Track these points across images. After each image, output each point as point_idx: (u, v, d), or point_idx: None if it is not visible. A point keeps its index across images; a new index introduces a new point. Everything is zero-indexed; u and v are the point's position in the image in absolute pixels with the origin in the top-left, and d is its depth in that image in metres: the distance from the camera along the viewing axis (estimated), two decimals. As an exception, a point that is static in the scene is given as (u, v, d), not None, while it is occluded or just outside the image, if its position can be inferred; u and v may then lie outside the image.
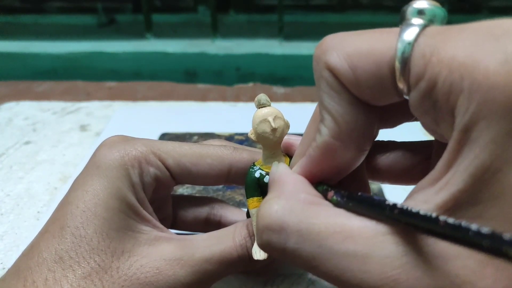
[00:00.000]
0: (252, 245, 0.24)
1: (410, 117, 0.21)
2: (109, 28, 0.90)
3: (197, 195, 0.40)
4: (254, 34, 0.83)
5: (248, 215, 0.28)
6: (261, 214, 0.18)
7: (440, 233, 0.13)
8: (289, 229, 0.17)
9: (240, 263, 0.24)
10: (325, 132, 0.19)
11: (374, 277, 0.15)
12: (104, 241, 0.22)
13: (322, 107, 0.19)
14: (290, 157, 0.25)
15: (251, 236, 0.25)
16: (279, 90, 0.67)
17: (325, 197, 0.19)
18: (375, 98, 0.18)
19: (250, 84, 0.70)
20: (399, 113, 0.21)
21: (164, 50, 0.79)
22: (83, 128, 0.53)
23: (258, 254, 0.23)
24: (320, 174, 0.20)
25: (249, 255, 0.24)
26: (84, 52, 0.80)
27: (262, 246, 0.19)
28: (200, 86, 0.69)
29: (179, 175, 0.26)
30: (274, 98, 0.65)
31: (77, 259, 0.22)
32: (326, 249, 0.16)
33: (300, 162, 0.21)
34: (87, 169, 0.24)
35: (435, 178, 0.15)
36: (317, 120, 0.20)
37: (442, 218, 0.13)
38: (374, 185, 0.42)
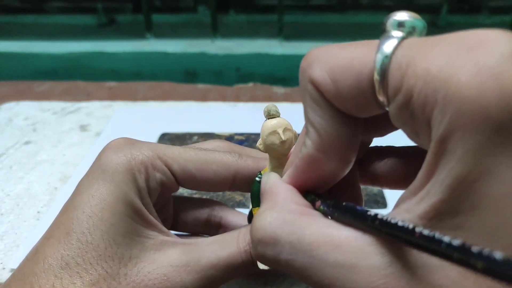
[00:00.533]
0: None
1: (385, 131, 0.22)
2: (109, 28, 0.90)
3: (197, 196, 0.40)
4: (254, 34, 0.83)
5: (250, 220, 0.28)
6: (255, 228, 0.19)
7: (416, 244, 0.14)
8: (282, 241, 0.18)
9: (244, 268, 0.25)
10: (309, 144, 0.19)
11: (362, 287, 0.16)
12: (112, 247, 0.22)
13: (306, 120, 0.19)
14: None
15: None
16: (279, 90, 0.67)
17: (314, 206, 0.20)
18: (357, 111, 0.18)
19: (250, 84, 0.70)
20: (386, 122, 0.20)
21: (164, 50, 0.79)
22: (83, 128, 0.53)
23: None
24: (306, 184, 0.21)
25: (253, 260, 0.24)
26: (84, 52, 0.80)
27: (257, 258, 0.19)
28: (200, 86, 0.69)
29: (184, 180, 0.26)
30: (274, 98, 0.65)
31: (84, 266, 0.21)
32: (317, 259, 0.17)
33: (288, 172, 0.21)
34: (93, 172, 0.24)
35: (417, 188, 0.16)
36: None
37: (418, 229, 0.14)
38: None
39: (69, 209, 0.23)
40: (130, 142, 0.26)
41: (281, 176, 0.23)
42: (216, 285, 0.25)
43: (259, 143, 0.24)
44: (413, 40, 0.16)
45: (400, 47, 0.16)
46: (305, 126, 0.19)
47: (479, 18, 0.88)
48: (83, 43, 0.83)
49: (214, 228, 0.30)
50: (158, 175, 0.25)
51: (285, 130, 0.23)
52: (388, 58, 0.16)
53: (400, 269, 0.15)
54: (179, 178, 0.26)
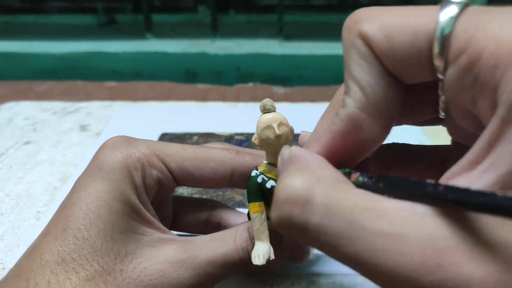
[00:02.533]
0: (253, 248, 0.24)
1: (418, 117, 0.21)
2: (109, 28, 0.90)
3: (197, 196, 0.40)
4: (254, 34, 0.83)
5: (249, 217, 0.28)
6: (282, 185, 0.16)
7: (498, 210, 0.11)
8: (315, 202, 0.15)
9: (241, 266, 0.25)
10: (351, 104, 0.17)
11: (413, 261, 0.13)
12: (108, 244, 0.22)
13: (349, 77, 0.18)
14: None
15: (251, 239, 0.25)
16: (279, 90, 0.67)
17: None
18: (407, 73, 0.17)
19: (250, 84, 0.70)
20: (414, 106, 0.20)
21: (164, 50, 0.79)
22: (83, 128, 0.53)
23: (257, 259, 0.23)
24: (343, 151, 0.19)
25: (250, 258, 0.24)
26: (84, 52, 0.80)
27: (280, 222, 0.16)
28: (200, 86, 0.69)
29: (181, 178, 0.26)
30: (274, 98, 0.65)
31: (80, 262, 0.21)
32: (357, 227, 0.14)
33: (320, 140, 0.19)
34: (90, 171, 0.24)
35: (474, 161, 0.14)
36: (335, 105, 0.19)
37: (499, 192, 0.12)
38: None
39: (66, 207, 0.23)
40: (127, 140, 0.26)
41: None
42: (213, 282, 0.24)
43: (254, 137, 0.24)
44: (477, 8, 0.16)
45: (465, 12, 0.15)
46: (346, 86, 0.18)
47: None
48: (83, 43, 0.83)
49: (214, 228, 0.30)
50: (154, 173, 0.25)
51: (280, 124, 0.23)
52: (452, 20, 0.15)
53: (461, 242, 0.13)
54: (177, 176, 0.26)
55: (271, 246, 0.24)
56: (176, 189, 0.40)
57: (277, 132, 0.23)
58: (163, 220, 0.27)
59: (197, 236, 0.26)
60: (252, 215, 0.24)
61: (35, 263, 0.21)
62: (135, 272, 0.22)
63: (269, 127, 0.23)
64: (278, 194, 0.16)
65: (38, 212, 0.39)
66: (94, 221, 0.22)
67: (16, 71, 0.81)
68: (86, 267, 0.21)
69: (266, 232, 0.24)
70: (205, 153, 0.26)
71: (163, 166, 0.25)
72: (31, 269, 0.21)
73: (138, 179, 0.24)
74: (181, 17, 0.90)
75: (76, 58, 0.80)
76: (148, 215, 0.25)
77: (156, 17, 0.85)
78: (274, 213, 0.16)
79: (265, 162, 0.25)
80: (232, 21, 0.88)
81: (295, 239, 0.17)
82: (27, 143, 0.50)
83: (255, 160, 0.27)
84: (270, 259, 0.24)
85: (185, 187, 0.41)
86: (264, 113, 0.24)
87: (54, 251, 0.21)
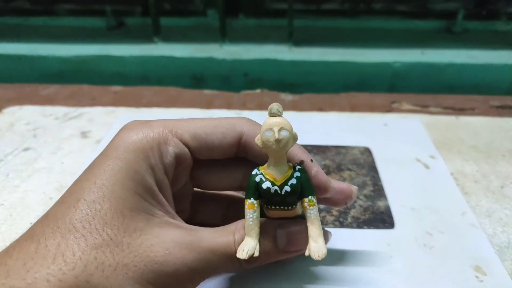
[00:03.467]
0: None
1: None
2: (117, 31, 0.90)
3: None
4: (263, 39, 0.82)
5: None
6: None
7: None
8: None
9: (235, 260, 0.25)
10: None
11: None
12: (118, 218, 0.23)
13: None
14: (295, 166, 0.26)
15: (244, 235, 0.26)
16: (287, 97, 0.65)
17: None
18: None
19: (258, 91, 0.68)
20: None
21: (171, 55, 0.77)
22: (84, 135, 0.52)
23: (241, 253, 0.24)
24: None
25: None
26: (91, 55, 0.79)
27: None
28: (207, 92, 0.68)
29: (196, 148, 0.27)
30: (282, 105, 0.63)
31: (90, 230, 0.22)
32: None
33: None
34: (106, 151, 0.25)
35: None
36: None
37: None
38: (381, 203, 0.40)
39: (82, 180, 0.24)
40: (142, 122, 0.27)
41: (281, 175, 0.25)
42: (212, 272, 0.26)
43: (257, 138, 0.25)
44: None
45: None
46: None
47: (496, 25, 0.85)
48: (91, 46, 0.82)
49: (231, 221, 0.30)
50: (171, 149, 0.26)
51: (282, 129, 0.24)
52: None
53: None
54: (191, 147, 0.27)
55: (259, 244, 0.25)
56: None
57: (276, 136, 0.24)
58: (179, 213, 0.28)
59: (202, 227, 0.27)
60: (245, 212, 0.26)
61: (48, 228, 0.23)
62: (141, 247, 0.23)
63: (270, 130, 0.24)
64: None
65: (31, 223, 0.37)
66: (107, 196, 0.23)
67: (23, 73, 0.81)
68: (95, 236, 0.22)
69: (256, 230, 0.25)
70: (216, 121, 0.28)
71: (177, 141, 0.27)
72: (43, 233, 0.22)
73: (154, 159, 0.25)
74: (190, 21, 0.89)
75: (83, 61, 0.80)
76: (161, 197, 0.26)
77: (165, 21, 0.84)
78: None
79: (267, 163, 0.26)
80: (241, 26, 0.86)
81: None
82: (26, 149, 0.49)
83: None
84: (254, 255, 0.25)
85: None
86: (270, 116, 0.25)
87: (66, 219, 0.23)
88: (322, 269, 0.32)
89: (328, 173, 0.44)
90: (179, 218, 0.27)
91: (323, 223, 0.37)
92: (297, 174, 0.26)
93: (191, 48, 0.79)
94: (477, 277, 0.32)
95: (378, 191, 0.41)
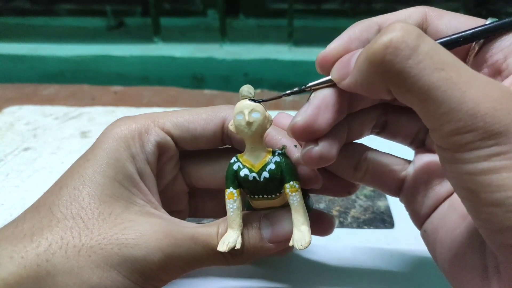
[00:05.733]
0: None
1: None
2: (118, 31, 0.90)
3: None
4: (263, 39, 0.82)
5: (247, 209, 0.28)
6: (393, 24, 0.18)
7: None
8: (427, 37, 0.18)
9: (218, 254, 0.24)
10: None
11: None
12: (94, 203, 0.23)
13: None
14: (274, 152, 0.25)
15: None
16: (287, 97, 0.65)
17: None
18: None
19: (258, 91, 0.68)
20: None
21: (171, 55, 0.77)
22: (83, 134, 0.52)
23: (221, 246, 0.23)
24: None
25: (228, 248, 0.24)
26: (92, 55, 0.79)
27: (394, 39, 0.18)
28: (207, 91, 0.68)
29: (179, 136, 0.27)
30: (282, 105, 0.63)
31: (64, 214, 0.23)
32: (459, 64, 0.18)
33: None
34: (94, 144, 0.26)
35: None
36: None
37: None
38: (381, 203, 0.40)
39: (67, 171, 0.25)
40: (128, 117, 0.28)
41: (259, 161, 0.24)
42: (195, 265, 0.24)
43: (230, 123, 0.24)
44: None
45: None
46: None
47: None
48: (91, 46, 0.82)
49: None
50: (152, 138, 0.26)
51: (252, 111, 0.23)
52: None
53: None
54: (174, 135, 0.27)
55: (242, 237, 0.24)
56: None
57: (247, 118, 0.23)
58: (176, 213, 0.28)
59: (183, 220, 0.26)
60: (226, 202, 0.24)
61: (29, 214, 0.24)
62: (113, 230, 0.23)
63: (241, 113, 0.23)
64: (389, 26, 0.18)
65: (31, 223, 0.37)
66: (86, 183, 0.24)
67: (24, 73, 0.81)
68: (68, 219, 0.23)
69: (238, 221, 0.24)
70: (199, 109, 0.28)
71: (159, 130, 0.27)
72: (23, 218, 0.24)
73: (135, 148, 0.26)
74: (190, 21, 0.89)
75: (83, 61, 0.80)
76: (143, 185, 0.26)
77: (165, 21, 0.84)
78: (386, 35, 0.18)
79: (245, 151, 0.25)
80: (241, 25, 0.86)
81: (390, 71, 0.18)
82: (26, 149, 0.49)
83: None
84: (235, 248, 0.23)
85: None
86: (241, 99, 0.24)
87: (46, 204, 0.24)
88: (322, 269, 0.32)
89: (328, 173, 0.44)
90: (162, 210, 0.26)
91: (323, 223, 0.37)
92: (276, 159, 0.24)
93: (191, 48, 0.79)
94: (477, 277, 0.32)
95: (378, 191, 0.41)
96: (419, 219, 0.27)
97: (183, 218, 0.30)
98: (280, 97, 0.25)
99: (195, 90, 0.68)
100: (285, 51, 0.77)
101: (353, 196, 0.40)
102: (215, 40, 0.81)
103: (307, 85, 0.24)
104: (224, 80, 0.77)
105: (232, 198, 0.24)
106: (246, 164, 0.24)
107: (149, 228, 0.23)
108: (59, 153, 0.48)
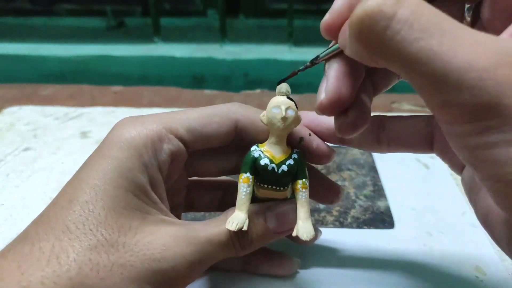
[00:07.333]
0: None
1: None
2: (117, 31, 0.90)
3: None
4: (263, 39, 0.82)
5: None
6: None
7: None
8: (407, 1, 0.16)
9: (231, 246, 0.26)
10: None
11: (488, 57, 0.15)
12: (112, 217, 0.23)
13: None
14: (293, 148, 0.27)
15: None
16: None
17: None
18: None
19: (258, 91, 0.68)
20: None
21: (171, 55, 0.77)
22: (84, 135, 0.52)
23: (230, 225, 0.25)
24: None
25: (239, 238, 0.26)
26: (92, 55, 0.79)
27: (369, 10, 0.17)
28: (207, 92, 0.68)
29: (191, 141, 0.27)
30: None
31: (83, 231, 0.22)
32: (442, 27, 0.16)
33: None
34: (99, 150, 0.25)
35: None
36: None
37: None
38: (381, 203, 0.40)
39: (75, 180, 0.24)
40: (134, 119, 0.26)
41: (280, 154, 0.26)
42: (209, 262, 0.25)
43: (262, 114, 0.25)
44: None
45: None
46: None
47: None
48: (91, 46, 0.82)
49: (228, 206, 0.31)
50: (165, 146, 0.26)
51: (289, 108, 0.25)
52: None
53: None
54: (187, 141, 0.26)
55: (249, 223, 0.26)
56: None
57: (283, 114, 0.24)
58: (173, 208, 0.28)
59: (192, 221, 0.27)
60: (239, 185, 0.26)
61: (41, 229, 0.22)
62: (137, 245, 0.23)
63: (277, 107, 0.24)
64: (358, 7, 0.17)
65: (31, 223, 0.37)
66: (99, 196, 0.23)
67: (24, 73, 0.81)
68: (89, 237, 0.22)
69: (247, 204, 0.26)
70: (209, 110, 0.27)
71: (172, 137, 0.26)
72: (37, 235, 0.22)
73: (148, 157, 0.25)
74: (190, 21, 0.89)
75: (83, 61, 0.80)
76: (154, 195, 0.25)
77: (165, 21, 0.84)
78: (361, 6, 0.17)
79: (268, 141, 0.26)
80: (241, 26, 0.86)
81: (372, 41, 0.17)
82: (26, 149, 0.49)
83: (258, 111, 0.27)
84: (243, 229, 0.25)
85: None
86: (278, 95, 0.25)
87: (60, 220, 0.22)
88: (322, 269, 0.32)
89: (328, 173, 0.44)
90: (172, 215, 0.26)
91: (323, 223, 0.37)
92: (295, 156, 0.26)
93: (191, 48, 0.79)
94: (477, 277, 0.32)
95: (378, 191, 0.41)
96: (457, 167, 0.26)
97: (180, 211, 0.31)
98: (296, 73, 0.26)
99: (195, 90, 0.68)
100: (285, 51, 0.77)
101: (353, 196, 0.40)
102: (215, 40, 0.81)
103: (319, 57, 0.24)
104: (224, 80, 0.77)
105: (247, 183, 0.26)
106: (267, 155, 0.26)
107: (171, 240, 0.24)
108: (59, 153, 0.48)
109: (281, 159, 0.26)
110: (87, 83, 0.71)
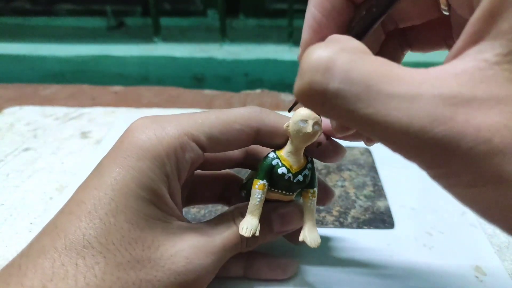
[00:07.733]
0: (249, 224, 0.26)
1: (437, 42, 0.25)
2: (117, 31, 0.90)
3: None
4: (263, 39, 0.82)
5: (240, 188, 0.30)
6: (307, 55, 0.17)
7: None
8: (336, 68, 0.16)
9: (239, 246, 0.26)
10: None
11: (426, 114, 0.14)
12: (135, 231, 0.22)
13: None
14: (308, 155, 0.27)
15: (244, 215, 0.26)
16: (287, 97, 0.65)
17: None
18: None
19: (258, 91, 0.68)
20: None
21: (172, 55, 0.77)
22: (84, 135, 0.52)
23: (245, 231, 0.25)
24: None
25: (247, 239, 0.26)
26: (92, 55, 0.79)
27: (302, 90, 0.17)
28: (207, 91, 0.68)
29: (211, 147, 0.26)
30: (282, 105, 0.63)
31: (107, 247, 0.21)
32: (374, 90, 0.15)
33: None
34: (116, 155, 0.24)
35: (476, 32, 0.15)
36: None
37: None
38: (381, 203, 0.40)
39: (90, 188, 0.23)
40: (153, 121, 0.25)
41: (297, 164, 0.26)
42: (222, 264, 0.26)
43: (286, 124, 0.25)
44: None
45: None
46: None
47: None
48: (91, 46, 0.82)
49: (227, 200, 0.31)
50: (187, 155, 0.25)
51: (315, 124, 0.25)
52: None
53: (471, 99, 0.14)
54: (207, 147, 0.26)
55: (259, 225, 0.26)
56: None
57: (310, 129, 0.24)
58: (183, 199, 0.28)
59: (203, 222, 0.27)
60: (253, 190, 0.26)
61: (60, 242, 0.21)
62: (162, 259, 0.23)
63: (305, 121, 0.24)
64: (302, 64, 0.17)
65: (31, 223, 0.37)
66: (120, 208, 0.22)
67: (24, 74, 0.81)
68: (114, 253, 0.21)
69: (260, 210, 0.26)
70: (229, 115, 0.26)
71: (194, 145, 0.25)
72: (55, 248, 0.21)
73: (169, 167, 0.24)
74: (190, 21, 0.89)
75: (84, 61, 0.80)
76: (171, 202, 0.25)
77: (165, 21, 0.84)
78: (297, 82, 0.17)
79: (285, 149, 0.26)
80: (241, 26, 0.86)
81: (315, 111, 0.18)
82: (26, 149, 0.49)
83: (279, 118, 0.27)
84: (256, 234, 0.25)
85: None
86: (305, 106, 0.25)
87: (79, 233, 0.21)
88: (322, 269, 0.32)
89: (328, 173, 0.44)
90: (186, 219, 0.26)
91: (323, 223, 0.37)
92: (309, 166, 0.27)
93: (191, 48, 0.79)
94: (477, 277, 0.32)
95: (378, 191, 0.41)
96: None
97: (181, 209, 0.31)
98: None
99: (195, 90, 0.68)
100: (285, 51, 0.77)
101: (353, 197, 0.40)
102: (215, 40, 0.81)
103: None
104: (224, 80, 0.77)
105: (262, 190, 0.26)
106: (285, 164, 0.26)
107: (192, 252, 0.24)
108: (59, 154, 0.48)
109: (298, 169, 0.26)
110: (87, 83, 0.71)
